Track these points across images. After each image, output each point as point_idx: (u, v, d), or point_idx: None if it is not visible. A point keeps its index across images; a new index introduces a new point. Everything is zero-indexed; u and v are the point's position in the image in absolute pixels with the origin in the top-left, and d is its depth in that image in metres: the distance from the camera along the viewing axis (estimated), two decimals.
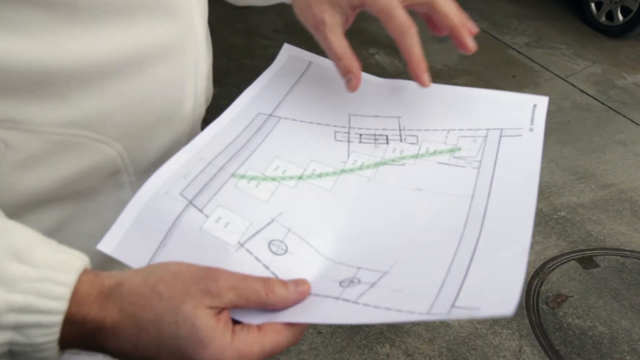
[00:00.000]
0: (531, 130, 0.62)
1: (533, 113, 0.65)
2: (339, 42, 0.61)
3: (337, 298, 0.45)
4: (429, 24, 0.66)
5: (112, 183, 0.58)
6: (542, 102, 0.66)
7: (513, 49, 4.01)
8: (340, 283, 0.47)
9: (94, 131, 0.52)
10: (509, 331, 1.94)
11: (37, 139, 0.49)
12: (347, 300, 0.45)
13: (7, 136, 0.47)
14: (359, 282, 0.47)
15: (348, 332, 1.88)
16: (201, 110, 0.65)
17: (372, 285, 0.46)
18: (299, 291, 0.46)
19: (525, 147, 0.60)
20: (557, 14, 4.61)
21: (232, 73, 3.09)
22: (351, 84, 0.61)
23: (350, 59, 0.61)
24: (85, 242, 0.46)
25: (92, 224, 0.57)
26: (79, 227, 0.57)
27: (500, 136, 0.62)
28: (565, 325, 1.99)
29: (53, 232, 0.44)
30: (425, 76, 0.60)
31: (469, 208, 0.54)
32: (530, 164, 0.58)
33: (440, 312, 0.42)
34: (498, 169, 0.58)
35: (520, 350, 1.88)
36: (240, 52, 3.38)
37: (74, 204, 0.56)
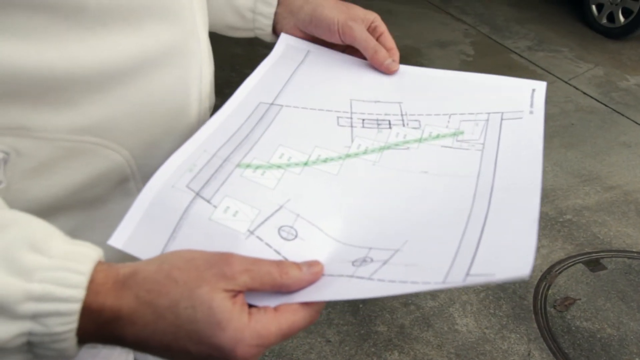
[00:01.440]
0: (531, 112, 0.64)
1: (532, 97, 0.66)
2: (367, 34, 0.70)
3: (351, 276, 0.46)
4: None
5: (120, 191, 0.58)
6: (540, 87, 0.68)
7: (515, 52, 4.01)
8: (353, 263, 0.48)
9: (102, 137, 0.53)
10: (518, 335, 1.93)
11: (47, 146, 0.49)
12: (362, 278, 0.45)
13: (17, 144, 0.48)
14: (372, 260, 0.47)
15: (357, 339, 1.88)
16: (205, 117, 0.65)
17: (385, 262, 0.47)
18: (312, 272, 0.46)
19: (527, 129, 0.61)
20: (558, 17, 4.61)
21: (233, 83, 3.06)
22: (395, 65, 0.71)
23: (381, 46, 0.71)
24: None
25: (100, 233, 0.56)
26: (87, 236, 0.55)
27: (502, 119, 0.63)
28: (573, 328, 1.98)
29: None
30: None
31: (475, 187, 0.54)
32: (533, 144, 0.59)
33: (455, 280, 0.42)
34: (501, 150, 0.59)
35: (529, 354, 1.87)
36: (241, 62, 3.40)
37: (82, 212, 0.57)
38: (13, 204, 0.48)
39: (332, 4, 0.71)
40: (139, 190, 0.58)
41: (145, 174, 0.58)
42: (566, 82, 3.67)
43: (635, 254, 2.31)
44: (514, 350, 1.88)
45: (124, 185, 0.58)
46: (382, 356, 1.83)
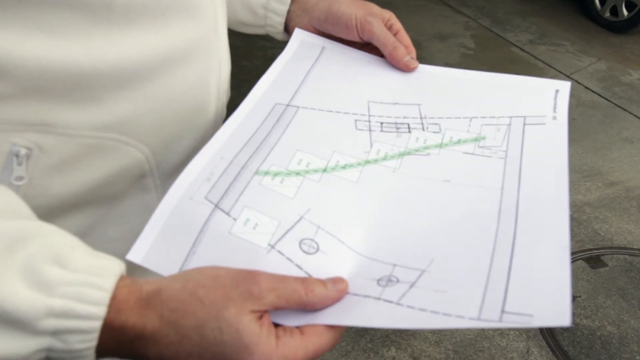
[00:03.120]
0: (554, 118, 0.62)
1: (555, 99, 0.65)
2: (385, 30, 0.70)
3: (378, 299, 0.45)
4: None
5: (138, 187, 0.59)
6: (564, 88, 0.66)
7: (516, 46, 3.99)
8: (378, 281, 0.47)
9: (124, 134, 0.53)
10: (516, 332, 1.92)
11: (70, 143, 0.50)
12: (389, 302, 0.44)
13: (41, 140, 0.48)
14: (397, 281, 0.46)
15: (353, 335, 1.87)
16: (222, 113, 0.66)
17: (412, 285, 0.46)
18: (338, 289, 0.46)
19: (551, 136, 0.60)
20: (560, 10, 4.59)
21: (232, 75, 3.05)
22: (413, 62, 0.70)
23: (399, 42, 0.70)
24: (111, 247, 0.47)
25: (117, 229, 0.59)
26: (105, 232, 0.58)
27: (524, 124, 0.62)
28: (573, 325, 1.98)
29: (80, 237, 0.45)
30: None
31: (500, 201, 0.53)
32: (557, 154, 0.58)
33: (491, 318, 0.41)
34: (525, 160, 0.58)
35: (527, 352, 1.87)
36: (239, 53, 3.37)
37: (101, 208, 0.57)
38: (34, 200, 0.48)
39: (348, 0, 0.71)
40: (156, 186, 0.60)
41: (163, 170, 0.59)
42: (568, 77, 3.65)
43: (637, 251, 2.31)
44: (513, 348, 1.88)
45: (141, 181, 0.58)
46: (379, 352, 1.83)
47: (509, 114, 0.63)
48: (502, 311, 0.41)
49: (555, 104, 0.64)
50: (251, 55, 3.33)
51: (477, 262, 0.47)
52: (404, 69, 0.70)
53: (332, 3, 0.70)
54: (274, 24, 0.75)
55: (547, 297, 0.42)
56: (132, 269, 0.47)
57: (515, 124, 0.62)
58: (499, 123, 0.62)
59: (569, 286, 0.42)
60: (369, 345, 1.84)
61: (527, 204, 0.52)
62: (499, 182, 0.55)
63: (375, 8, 0.70)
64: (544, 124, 0.61)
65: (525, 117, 0.63)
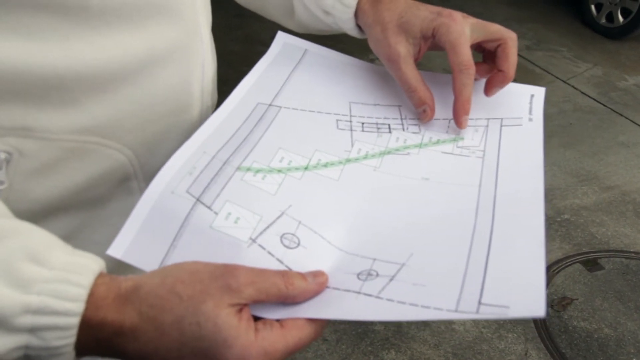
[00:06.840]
0: (530, 119, 0.64)
1: (531, 103, 0.66)
2: (412, 73, 0.64)
3: (358, 292, 0.45)
4: (483, 60, 0.68)
5: (122, 190, 0.58)
6: (539, 93, 0.68)
7: None
8: (358, 275, 0.47)
9: (106, 137, 0.53)
10: (515, 335, 1.93)
11: (50, 147, 0.49)
12: (369, 295, 0.45)
13: (20, 144, 0.48)
14: (377, 274, 0.47)
15: (353, 338, 1.87)
16: (207, 114, 0.65)
17: (392, 278, 0.46)
18: (318, 282, 0.46)
19: (527, 136, 0.62)
20: (556, 17, 4.61)
21: (231, 80, 3.05)
22: (426, 116, 0.64)
23: (425, 90, 0.63)
24: (96, 250, 0.46)
25: (102, 232, 0.57)
26: (90, 235, 0.57)
27: (501, 126, 0.64)
28: (570, 328, 1.98)
29: (65, 240, 0.44)
30: (464, 119, 0.62)
31: (477, 197, 0.54)
32: (533, 154, 0.59)
33: (468, 309, 0.42)
34: (502, 159, 0.59)
35: (526, 354, 1.87)
36: (239, 59, 3.39)
37: (84, 211, 0.56)
38: (15, 204, 0.47)
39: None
40: (141, 189, 0.58)
41: (147, 172, 0.58)
42: (565, 82, 3.66)
43: (633, 254, 2.31)
44: (511, 350, 1.88)
45: (126, 184, 0.58)
46: (378, 355, 1.83)
47: (487, 116, 0.65)
48: (479, 303, 0.42)
49: (530, 107, 0.66)
50: (250, 61, 3.32)
51: (456, 255, 0.47)
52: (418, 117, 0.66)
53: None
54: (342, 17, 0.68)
55: (522, 290, 0.43)
56: (124, 267, 0.47)
57: (492, 125, 0.64)
58: (476, 124, 0.64)
59: (544, 279, 0.43)
60: (369, 349, 1.85)
61: (504, 200, 0.53)
62: (476, 179, 0.57)
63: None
64: (520, 125, 0.63)
65: (502, 118, 0.64)
